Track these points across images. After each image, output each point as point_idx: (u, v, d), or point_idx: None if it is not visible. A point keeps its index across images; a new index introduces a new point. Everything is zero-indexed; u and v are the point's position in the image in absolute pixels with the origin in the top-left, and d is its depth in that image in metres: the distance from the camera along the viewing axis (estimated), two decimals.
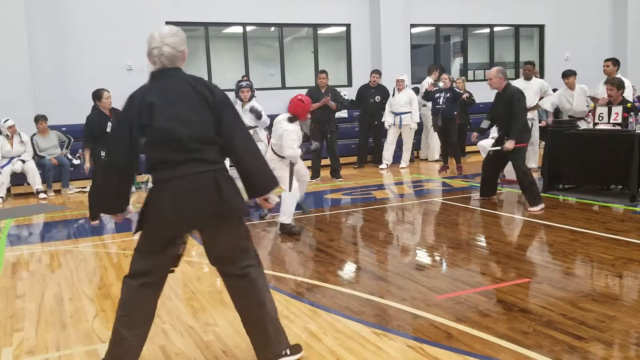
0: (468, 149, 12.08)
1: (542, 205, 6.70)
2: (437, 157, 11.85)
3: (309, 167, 10.22)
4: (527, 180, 6.75)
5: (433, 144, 11.85)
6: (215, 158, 2.86)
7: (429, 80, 11.55)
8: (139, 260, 2.91)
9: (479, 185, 7.61)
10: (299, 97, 6.34)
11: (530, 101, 9.28)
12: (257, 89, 10.40)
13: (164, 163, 2.81)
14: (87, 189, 7.71)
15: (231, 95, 12.74)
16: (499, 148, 6.88)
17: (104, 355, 2.98)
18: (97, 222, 7.05)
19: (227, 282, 3.00)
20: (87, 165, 7.30)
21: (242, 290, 2.95)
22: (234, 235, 2.92)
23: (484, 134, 7.71)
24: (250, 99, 8.07)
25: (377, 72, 11.52)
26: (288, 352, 3.01)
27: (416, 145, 11.98)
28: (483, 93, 13.09)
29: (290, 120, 6.18)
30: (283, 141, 6.09)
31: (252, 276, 2.93)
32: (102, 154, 6.86)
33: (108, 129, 6.84)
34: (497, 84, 6.85)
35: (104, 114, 6.95)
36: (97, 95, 6.92)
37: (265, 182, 2.94)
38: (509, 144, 6.68)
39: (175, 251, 2.92)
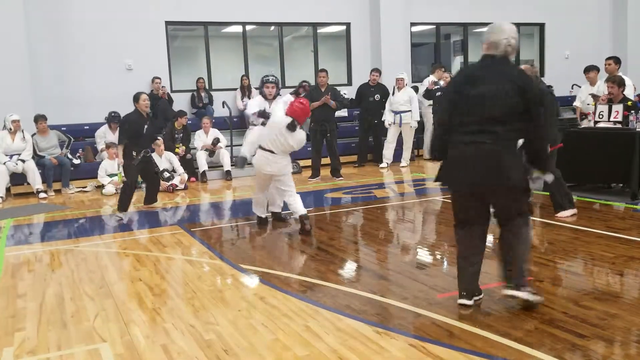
0: None
1: (571, 212, 6.22)
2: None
3: (308, 166, 10.26)
4: (555, 184, 6.08)
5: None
6: (506, 136, 3.44)
7: (432, 79, 11.53)
8: (455, 211, 3.77)
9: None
10: (300, 100, 6.19)
11: None
12: (257, 88, 10.37)
13: (461, 127, 3.52)
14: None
15: (230, 94, 12.74)
16: None
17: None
18: (123, 215, 7.30)
19: (501, 229, 3.72)
20: (120, 160, 7.45)
21: (509, 238, 3.66)
22: (509, 198, 3.59)
23: None
24: (275, 96, 7.08)
25: (377, 70, 11.52)
26: (528, 289, 3.65)
27: (416, 144, 11.96)
28: None
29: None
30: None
31: (519, 233, 3.63)
32: (133, 154, 7.24)
33: (143, 131, 7.28)
34: None
35: (142, 116, 7.30)
36: (136, 97, 7.35)
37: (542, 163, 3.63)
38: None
39: (477, 204, 3.66)
